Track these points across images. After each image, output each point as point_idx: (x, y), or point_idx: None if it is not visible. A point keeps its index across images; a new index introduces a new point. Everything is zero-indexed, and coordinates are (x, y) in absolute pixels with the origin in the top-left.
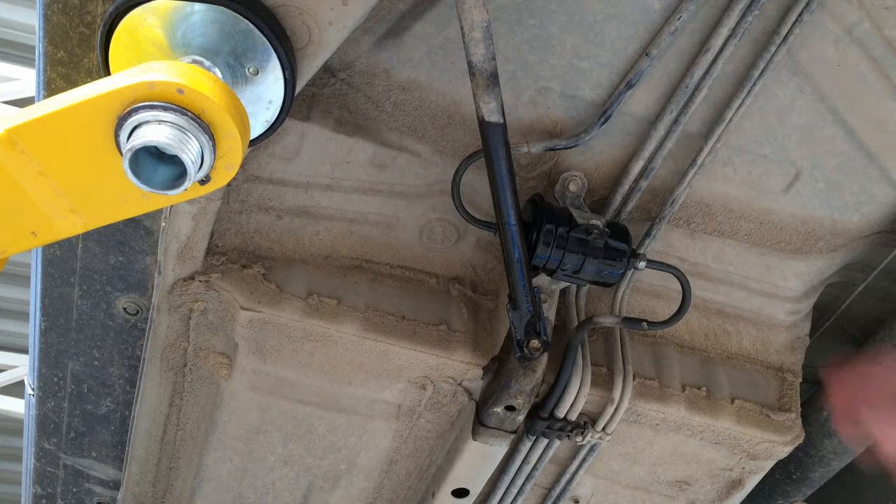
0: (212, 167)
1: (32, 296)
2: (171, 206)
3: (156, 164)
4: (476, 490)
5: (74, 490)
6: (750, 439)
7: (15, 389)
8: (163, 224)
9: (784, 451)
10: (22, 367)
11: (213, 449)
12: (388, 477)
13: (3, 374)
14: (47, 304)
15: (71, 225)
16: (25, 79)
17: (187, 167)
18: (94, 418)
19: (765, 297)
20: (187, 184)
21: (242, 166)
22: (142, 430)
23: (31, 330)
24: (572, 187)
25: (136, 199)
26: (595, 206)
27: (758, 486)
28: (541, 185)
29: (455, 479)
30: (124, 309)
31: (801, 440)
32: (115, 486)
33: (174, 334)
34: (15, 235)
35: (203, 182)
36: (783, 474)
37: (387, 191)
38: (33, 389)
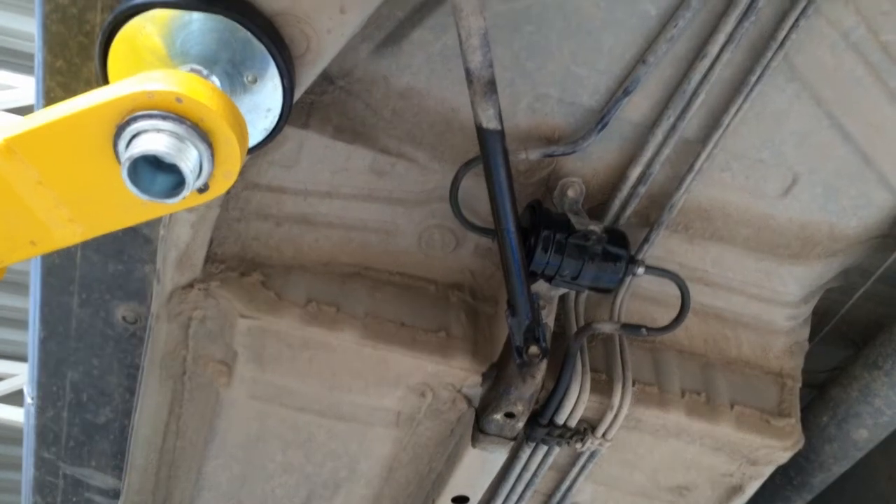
0: (210, 175)
1: (32, 305)
2: (170, 215)
3: (154, 172)
4: (476, 497)
5: (74, 499)
6: (750, 445)
7: (15, 398)
8: (161, 232)
9: (784, 456)
10: (22, 375)
11: (212, 457)
12: (387, 484)
13: (3, 382)
14: (46, 312)
15: (70, 234)
16: (25, 87)
17: (185, 176)
18: (93, 427)
19: (764, 302)
20: (186, 192)
21: (241, 174)
22: (141, 438)
23: (31, 339)
24: (570, 193)
25: (134, 207)
26: (593, 211)
27: (758, 491)
28: (539, 192)
29: (455, 487)
30: (123, 317)
31: (801, 445)
32: (115, 494)
33: (173, 342)
34: (14, 245)
35: (202, 190)
36: (784, 479)
37: (385, 197)
38: (32, 399)
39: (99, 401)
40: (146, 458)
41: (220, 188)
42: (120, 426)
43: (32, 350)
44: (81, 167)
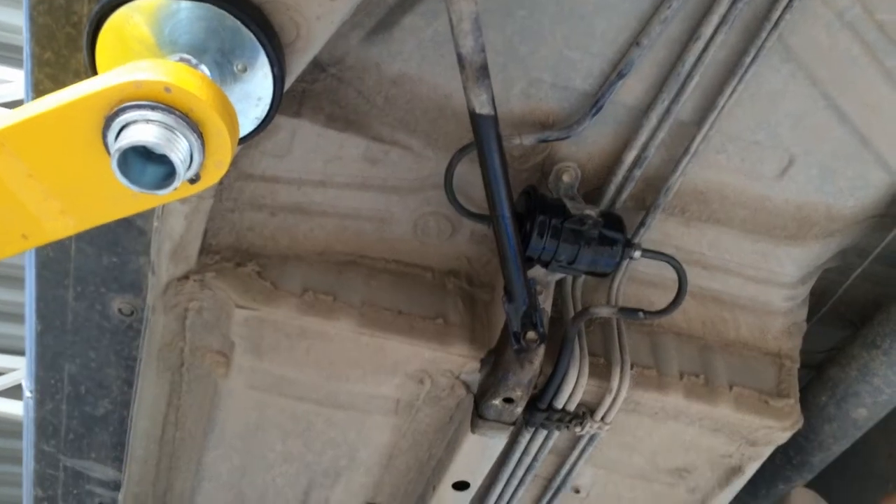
0: (201, 166)
1: (27, 299)
2: (164, 206)
3: (144, 163)
4: (476, 482)
5: (75, 492)
6: (749, 426)
7: (15, 392)
8: (155, 224)
9: (783, 436)
10: (22, 369)
11: (212, 447)
12: (388, 472)
13: (3, 377)
14: (42, 306)
15: (62, 226)
16: (21, 81)
17: (176, 166)
18: (92, 419)
19: (761, 283)
20: (176, 183)
21: (233, 164)
22: (140, 430)
23: (27, 333)
24: (566, 178)
25: (126, 199)
26: (589, 196)
27: (758, 471)
28: (534, 177)
29: (455, 472)
30: (119, 310)
31: (799, 425)
32: (116, 486)
33: (170, 334)
34: (5, 238)
35: (193, 181)
36: (783, 459)
37: (380, 185)
38: (31, 392)
39: (97, 393)
40: (146, 449)
41: (211, 178)
42: (119, 418)
43: (29, 344)
44: (71, 159)
